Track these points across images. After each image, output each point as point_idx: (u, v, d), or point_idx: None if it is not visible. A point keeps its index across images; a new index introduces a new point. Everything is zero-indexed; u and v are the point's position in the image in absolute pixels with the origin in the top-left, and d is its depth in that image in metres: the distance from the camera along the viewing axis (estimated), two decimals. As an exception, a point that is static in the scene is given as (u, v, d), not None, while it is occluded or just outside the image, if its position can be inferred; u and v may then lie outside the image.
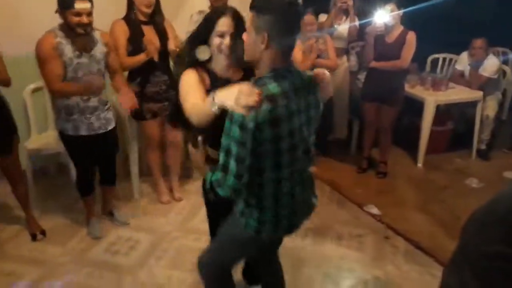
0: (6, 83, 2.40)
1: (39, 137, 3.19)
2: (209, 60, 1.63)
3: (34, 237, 2.70)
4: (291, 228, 1.61)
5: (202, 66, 1.63)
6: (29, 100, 3.13)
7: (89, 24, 2.30)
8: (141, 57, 2.66)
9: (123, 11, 2.73)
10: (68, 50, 2.30)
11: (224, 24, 1.55)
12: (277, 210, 1.51)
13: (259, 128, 1.30)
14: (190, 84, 1.57)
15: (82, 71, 2.37)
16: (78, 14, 2.23)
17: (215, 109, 1.31)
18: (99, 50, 2.43)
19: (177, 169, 3.21)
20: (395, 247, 2.69)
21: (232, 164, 1.34)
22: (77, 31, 2.28)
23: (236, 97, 1.18)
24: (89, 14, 2.27)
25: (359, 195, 3.29)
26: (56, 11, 2.27)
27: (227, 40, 1.56)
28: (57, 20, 2.31)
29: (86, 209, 2.79)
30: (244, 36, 1.42)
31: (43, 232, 2.74)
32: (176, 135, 3.01)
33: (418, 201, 3.25)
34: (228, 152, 1.35)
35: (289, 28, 1.36)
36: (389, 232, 2.83)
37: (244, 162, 1.34)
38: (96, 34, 2.43)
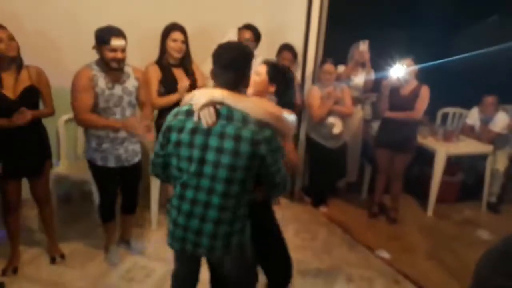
0: (51, 114, 2.63)
1: (68, 164, 3.36)
2: None
3: (53, 260, 2.79)
4: (186, 244, 1.74)
5: None
6: (62, 129, 3.33)
7: (123, 59, 2.47)
8: (174, 97, 2.86)
9: (150, 50, 2.96)
10: (101, 82, 2.47)
11: None
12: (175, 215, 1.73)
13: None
14: None
15: (113, 101, 2.52)
16: (114, 50, 2.40)
17: None
18: (131, 83, 2.60)
19: None
20: (404, 291, 2.73)
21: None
22: (112, 66, 2.44)
23: None
24: (123, 50, 2.44)
25: (370, 239, 3.34)
26: (93, 47, 2.46)
27: None
28: (94, 57, 2.51)
29: (106, 236, 2.89)
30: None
31: (62, 256, 2.83)
32: None
33: (428, 248, 3.29)
34: None
35: None
36: (399, 276, 2.87)
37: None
38: (129, 69, 2.60)
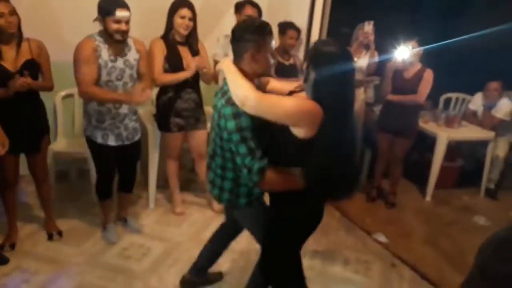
0: (50, 88, 2.58)
1: (65, 141, 3.33)
2: None
3: (50, 237, 2.78)
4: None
5: None
6: (59, 105, 3.29)
7: (127, 31, 2.43)
8: (182, 75, 2.80)
9: (154, 23, 2.89)
10: (104, 53, 2.43)
11: None
12: None
13: None
14: None
15: (115, 75, 2.49)
16: (118, 21, 2.36)
17: None
18: (132, 56, 2.56)
19: None
20: (401, 275, 2.74)
21: None
22: (115, 38, 2.40)
23: None
24: (127, 22, 2.40)
25: (367, 223, 3.35)
26: (95, 20, 2.40)
27: None
28: (95, 30, 2.46)
29: (103, 214, 2.87)
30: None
31: (59, 233, 2.82)
32: (201, 148, 3.12)
33: (425, 233, 3.30)
34: None
35: None
36: (396, 260, 2.88)
37: None
38: (130, 41, 2.56)
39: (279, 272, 1.85)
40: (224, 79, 1.68)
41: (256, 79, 1.75)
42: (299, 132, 1.52)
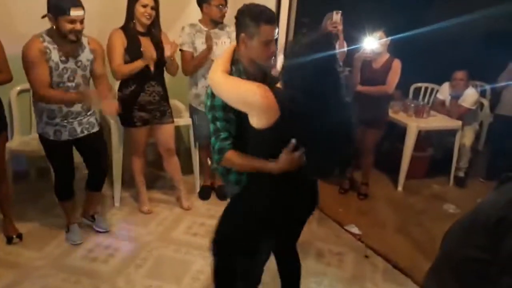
0: (9, 80, 2.43)
1: (22, 139, 3.15)
2: None
3: (10, 240, 2.63)
4: None
5: None
6: (14, 101, 3.11)
7: (81, 31, 2.29)
8: (138, 63, 2.69)
9: (111, 18, 2.75)
10: (54, 55, 2.28)
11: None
12: None
13: None
14: None
15: (67, 76, 2.36)
16: (73, 21, 2.21)
17: None
18: (85, 56, 2.42)
19: (179, 177, 3.20)
20: (374, 266, 2.73)
21: None
22: (69, 38, 2.25)
23: None
24: (82, 21, 2.26)
25: (340, 214, 3.33)
26: (44, 17, 2.25)
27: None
28: (48, 23, 2.30)
29: (66, 215, 2.73)
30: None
31: (19, 236, 2.67)
32: (169, 143, 3.02)
33: (397, 223, 3.31)
34: None
35: None
36: (369, 251, 2.88)
37: None
38: (84, 40, 2.41)
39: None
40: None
41: (258, 68, 1.67)
42: (252, 120, 1.52)
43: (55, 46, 2.29)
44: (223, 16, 2.97)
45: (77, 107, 2.45)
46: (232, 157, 1.60)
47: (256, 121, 1.50)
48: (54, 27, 2.25)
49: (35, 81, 2.27)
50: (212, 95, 1.61)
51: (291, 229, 1.96)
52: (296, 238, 2.07)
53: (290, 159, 1.50)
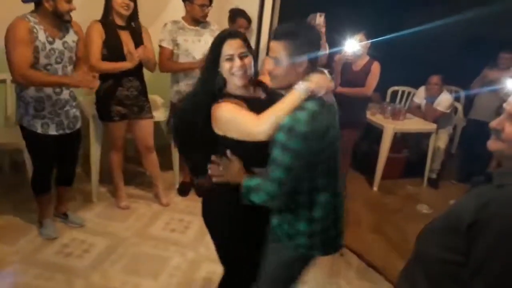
0: None
1: (-4, 131, 3.07)
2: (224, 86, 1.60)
3: (-18, 235, 2.57)
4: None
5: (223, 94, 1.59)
6: (-12, 92, 3.03)
7: (74, 10, 2.31)
8: (123, 65, 2.66)
9: (96, 9, 2.71)
10: (41, 35, 2.26)
11: (231, 47, 1.52)
12: (328, 223, 1.54)
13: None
14: (235, 112, 1.49)
15: (55, 57, 2.33)
16: (70, 1, 2.25)
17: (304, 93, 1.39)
18: (71, 37, 2.42)
19: (157, 173, 3.18)
20: (348, 264, 2.79)
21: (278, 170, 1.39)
22: (66, 18, 2.28)
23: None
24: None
25: (317, 213, 3.37)
26: (27, 1, 2.23)
27: (237, 62, 1.51)
28: (26, 10, 2.26)
29: (40, 209, 2.68)
30: (272, 65, 1.46)
31: (-8, 230, 2.61)
32: (147, 139, 3.00)
33: (372, 222, 3.39)
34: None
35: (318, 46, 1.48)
36: (344, 249, 2.93)
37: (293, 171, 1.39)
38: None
39: None
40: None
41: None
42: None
43: (41, 26, 2.27)
44: (205, 15, 2.97)
45: (65, 95, 2.44)
46: None
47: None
48: (52, 9, 2.23)
49: (17, 60, 2.20)
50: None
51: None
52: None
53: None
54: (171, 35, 2.95)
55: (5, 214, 2.82)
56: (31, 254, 2.49)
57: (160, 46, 2.98)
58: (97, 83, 2.39)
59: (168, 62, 2.99)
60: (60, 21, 2.30)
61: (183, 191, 3.41)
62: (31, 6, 2.28)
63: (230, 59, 1.52)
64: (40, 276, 2.32)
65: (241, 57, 1.52)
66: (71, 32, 2.42)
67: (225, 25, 3.29)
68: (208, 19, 3.04)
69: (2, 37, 2.23)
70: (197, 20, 2.97)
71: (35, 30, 2.24)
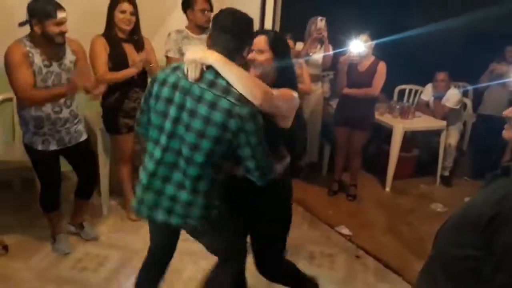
0: None
1: (5, 149, 3.09)
2: None
3: (-5, 252, 2.56)
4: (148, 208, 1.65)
5: None
6: (-4, 110, 3.05)
7: (66, 32, 2.28)
8: (128, 72, 2.66)
9: (92, 23, 2.72)
10: (37, 59, 2.27)
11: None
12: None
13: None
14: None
15: (51, 81, 2.34)
16: (60, 23, 2.21)
17: None
18: (68, 58, 2.41)
19: None
20: (365, 266, 2.75)
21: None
22: (57, 40, 2.25)
23: None
24: (65, 22, 2.26)
25: (330, 216, 3.35)
26: (23, 24, 2.24)
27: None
28: (23, 32, 2.28)
29: (51, 226, 2.67)
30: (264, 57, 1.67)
31: (5, 247, 2.60)
32: None
33: (386, 223, 3.34)
34: None
35: None
36: (360, 251, 2.89)
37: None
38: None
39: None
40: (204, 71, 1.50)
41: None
42: (287, 121, 1.62)
43: (38, 50, 2.27)
44: (208, 20, 2.96)
45: (65, 113, 2.42)
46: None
47: (287, 122, 1.62)
48: (40, 31, 2.22)
49: (19, 83, 2.22)
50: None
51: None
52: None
53: None
54: (177, 45, 2.95)
55: (18, 231, 2.81)
56: (45, 270, 2.48)
57: (167, 57, 2.99)
58: (98, 88, 2.41)
59: None
60: (53, 44, 2.27)
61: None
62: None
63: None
64: (56, 291, 2.32)
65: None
66: (68, 52, 2.40)
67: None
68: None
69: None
70: (201, 27, 2.97)
71: (30, 55, 2.24)
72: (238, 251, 1.87)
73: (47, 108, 2.36)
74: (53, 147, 2.42)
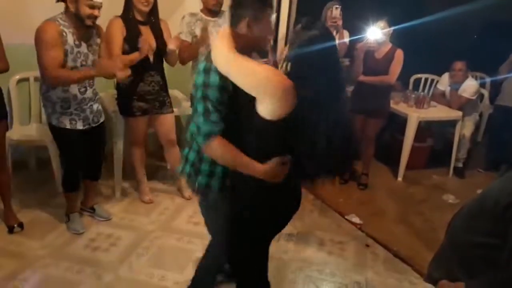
0: (5, 69, 2.40)
1: (21, 128, 3.13)
2: None
3: (11, 230, 2.62)
4: None
5: None
6: (13, 90, 3.08)
7: (97, 17, 2.32)
8: (134, 56, 2.64)
9: (115, 6, 2.71)
10: (70, 38, 2.31)
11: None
12: None
13: None
14: None
15: (80, 60, 2.38)
16: (93, 6, 2.25)
17: None
18: (95, 41, 2.47)
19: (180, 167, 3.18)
20: (375, 254, 2.75)
21: None
22: (87, 22, 2.28)
23: None
24: (100, 8, 2.30)
25: (341, 204, 3.34)
26: (59, 0, 2.26)
27: None
28: (55, 12, 2.30)
29: (69, 204, 2.72)
30: None
31: (20, 225, 2.66)
32: (170, 133, 3.00)
33: (397, 213, 3.33)
34: None
35: None
36: (370, 240, 2.89)
37: None
38: None
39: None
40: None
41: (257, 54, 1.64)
42: (262, 109, 1.35)
43: (70, 29, 2.31)
44: (217, 4, 2.92)
45: (89, 93, 2.49)
46: (220, 144, 1.45)
47: (269, 111, 1.33)
48: (73, 10, 2.25)
49: (49, 62, 2.24)
50: (206, 72, 1.45)
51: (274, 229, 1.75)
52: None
53: (278, 171, 1.40)
54: (189, 27, 2.93)
55: (32, 209, 2.87)
56: (59, 249, 2.53)
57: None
58: (124, 71, 2.38)
59: (187, 53, 2.97)
60: (84, 25, 2.31)
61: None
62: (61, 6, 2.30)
63: None
64: (70, 269, 2.36)
65: None
66: (95, 35, 2.46)
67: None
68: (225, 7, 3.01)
69: (28, 36, 2.27)
70: (211, 11, 2.94)
71: (64, 34, 2.28)
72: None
73: (74, 89, 2.41)
74: (79, 126, 2.48)
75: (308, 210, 3.21)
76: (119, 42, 2.66)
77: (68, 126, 2.45)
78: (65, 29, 2.29)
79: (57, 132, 2.49)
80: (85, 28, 2.33)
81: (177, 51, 2.80)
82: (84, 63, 2.40)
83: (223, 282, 2.21)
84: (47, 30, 2.24)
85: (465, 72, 4.01)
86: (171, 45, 2.72)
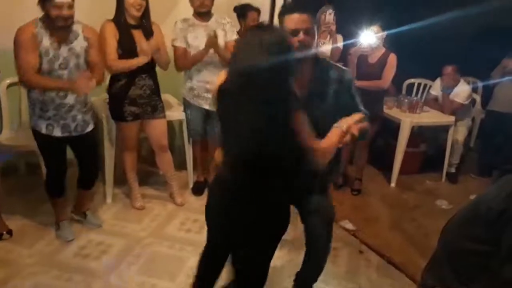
0: None
1: (11, 133, 3.09)
2: None
3: (0, 237, 2.58)
4: None
5: None
6: (3, 95, 3.04)
7: (70, 17, 2.26)
8: (138, 61, 2.63)
9: (107, 8, 2.69)
10: (46, 40, 2.27)
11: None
12: None
13: None
14: None
15: (58, 63, 2.32)
16: (59, 7, 2.20)
17: None
18: (79, 44, 2.39)
19: (172, 172, 3.16)
20: (368, 261, 2.74)
21: None
22: (57, 24, 2.25)
23: None
24: (70, 7, 2.24)
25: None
26: (38, 3, 2.24)
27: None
28: (38, 15, 2.28)
29: (56, 212, 2.68)
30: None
31: (9, 232, 2.62)
32: (161, 138, 2.98)
33: (391, 218, 3.32)
34: None
35: None
36: (363, 246, 2.88)
37: None
38: (78, 28, 2.38)
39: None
40: None
41: None
42: None
43: (47, 31, 2.27)
44: (203, 5, 2.90)
45: (70, 99, 2.40)
46: None
47: None
48: (43, 12, 2.24)
49: (22, 65, 2.23)
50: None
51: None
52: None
53: None
54: (182, 33, 2.92)
55: (22, 216, 2.83)
56: (48, 256, 2.49)
57: (174, 46, 2.96)
58: (89, 87, 2.34)
59: (183, 60, 2.96)
60: (59, 27, 2.26)
61: (197, 190, 3.39)
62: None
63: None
64: (59, 277, 2.33)
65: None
66: (80, 37, 2.39)
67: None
68: (218, 12, 3.00)
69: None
70: (199, 13, 2.93)
71: (39, 36, 2.25)
72: None
73: (51, 92, 2.35)
74: (57, 133, 2.41)
75: (301, 216, 3.19)
76: (113, 46, 2.64)
77: (43, 131, 2.40)
78: (42, 31, 2.26)
79: (34, 135, 2.46)
80: (64, 30, 2.29)
81: (161, 54, 2.77)
82: (64, 66, 2.34)
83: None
84: (21, 32, 2.23)
85: (455, 75, 4.02)
86: (144, 45, 2.67)
